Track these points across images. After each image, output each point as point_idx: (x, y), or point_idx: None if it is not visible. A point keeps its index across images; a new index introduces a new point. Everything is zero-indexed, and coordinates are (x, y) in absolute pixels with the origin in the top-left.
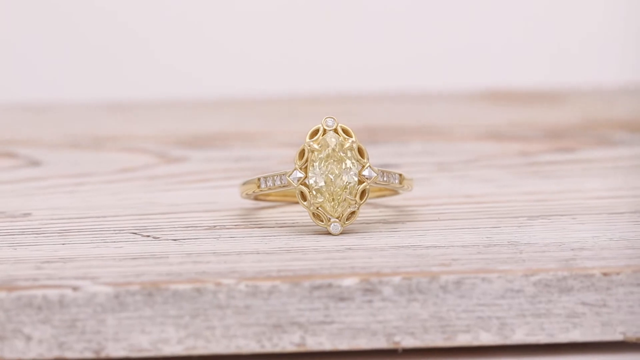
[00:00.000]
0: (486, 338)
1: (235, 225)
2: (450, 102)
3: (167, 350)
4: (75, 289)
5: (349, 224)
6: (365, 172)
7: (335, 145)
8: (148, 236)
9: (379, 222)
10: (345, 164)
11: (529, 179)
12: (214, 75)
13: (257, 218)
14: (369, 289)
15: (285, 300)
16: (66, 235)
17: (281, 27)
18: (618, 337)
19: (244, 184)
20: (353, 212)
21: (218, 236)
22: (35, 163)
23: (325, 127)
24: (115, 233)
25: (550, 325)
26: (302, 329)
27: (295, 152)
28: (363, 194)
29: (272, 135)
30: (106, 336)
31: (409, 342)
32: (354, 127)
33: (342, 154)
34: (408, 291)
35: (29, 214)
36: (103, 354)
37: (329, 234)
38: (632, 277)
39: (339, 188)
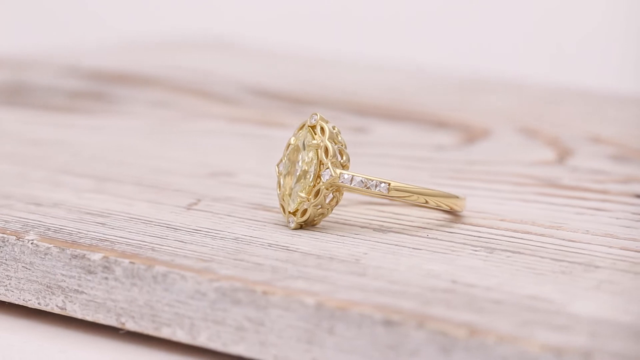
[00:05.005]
0: (182, 335)
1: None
2: None
3: None
4: None
5: (302, 220)
6: (324, 173)
7: (301, 141)
8: (195, 203)
9: (358, 226)
10: (303, 161)
11: None
12: None
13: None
14: (107, 267)
15: (54, 264)
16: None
17: None
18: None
19: None
20: (305, 210)
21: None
22: None
23: (308, 124)
24: (175, 193)
25: (225, 334)
26: (64, 294)
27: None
28: (317, 193)
29: None
30: None
31: (131, 325)
32: None
33: (304, 152)
34: (132, 275)
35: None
36: None
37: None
38: (285, 299)
39: (291, 184)
